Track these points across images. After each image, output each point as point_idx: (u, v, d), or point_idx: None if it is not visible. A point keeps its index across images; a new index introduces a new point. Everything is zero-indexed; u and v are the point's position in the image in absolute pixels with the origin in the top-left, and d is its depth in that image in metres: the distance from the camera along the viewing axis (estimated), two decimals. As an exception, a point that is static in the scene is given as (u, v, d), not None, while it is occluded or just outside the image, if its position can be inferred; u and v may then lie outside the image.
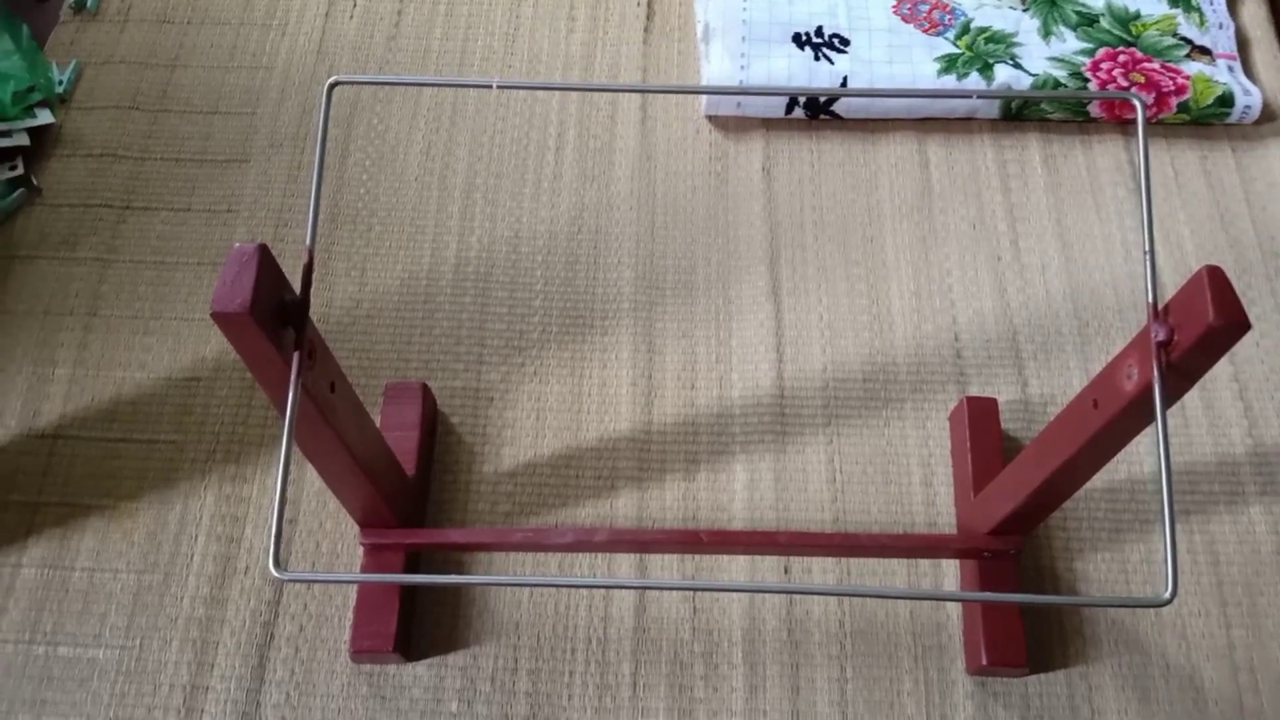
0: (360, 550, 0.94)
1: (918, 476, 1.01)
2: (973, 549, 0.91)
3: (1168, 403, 0.62)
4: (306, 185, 1.17)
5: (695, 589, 0.92)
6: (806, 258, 1.13)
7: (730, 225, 1.15)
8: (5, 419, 1.04)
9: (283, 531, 0.62)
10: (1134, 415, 0.68)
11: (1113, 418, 0.68)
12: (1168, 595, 0.58)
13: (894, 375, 1.06)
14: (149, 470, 1.01)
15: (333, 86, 0.67)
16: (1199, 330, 0.59)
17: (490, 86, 0.65)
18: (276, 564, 0.59)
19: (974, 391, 1.05)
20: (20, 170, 1.17)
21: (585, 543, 0.89)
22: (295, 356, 0.63)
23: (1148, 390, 0.63)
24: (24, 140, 1.18)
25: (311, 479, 1.01)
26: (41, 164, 1.19)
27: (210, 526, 0.98)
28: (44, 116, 1.20)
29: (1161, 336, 0.62)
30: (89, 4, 1.30)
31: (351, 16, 1.30)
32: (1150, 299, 0.63)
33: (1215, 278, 0.59)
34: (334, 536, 0.98)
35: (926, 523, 0.99)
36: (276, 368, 0.62)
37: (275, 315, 0.61)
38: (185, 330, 1.09)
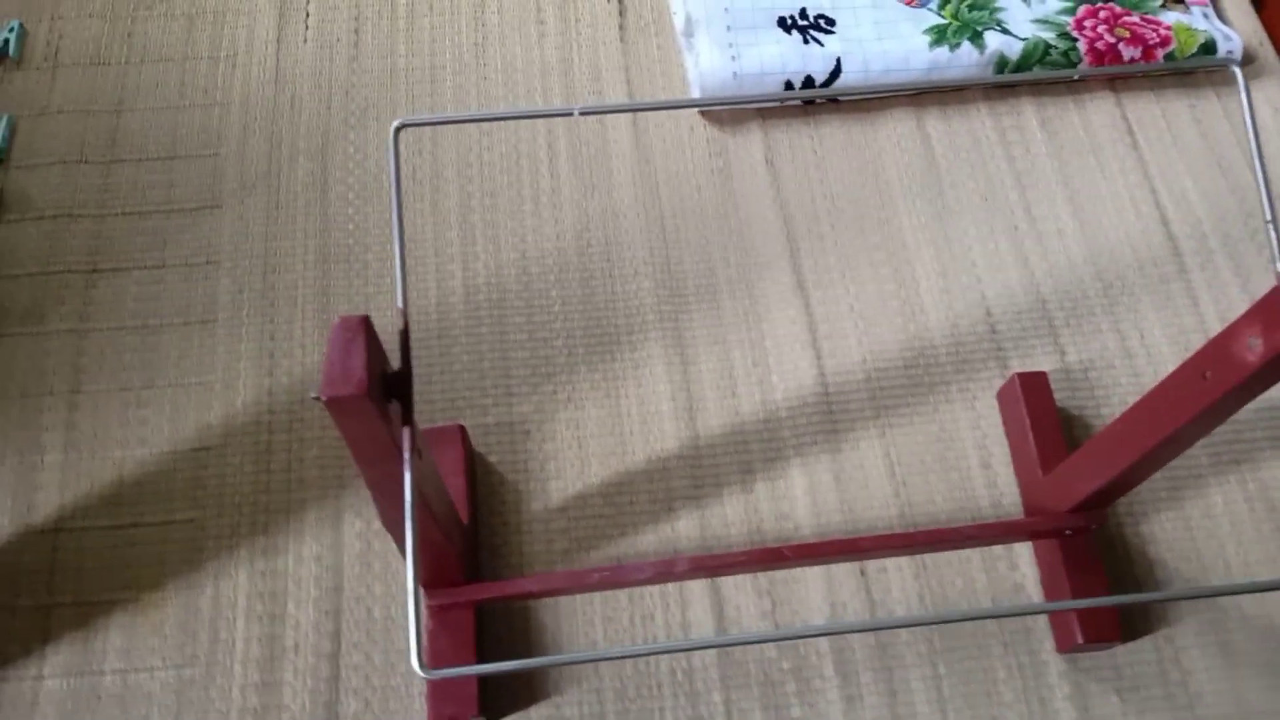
0: (425, 612, 0.88)
1: (975, 459, 0.99)
2: (1056, 528, 0.89)
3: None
4: (288, 226, 1.09)
5: (796, 637, 0.88)
6: (826, 247, 1.10)
7: (743, 222, 1.11)
8: (-4, 518, 0.94)
9: (422, 626, 0.56)
10: (1254, 387, 0.66)
11: (1230, 390, 0.67)
12: None
13: (934, 358, 1.04)
14: (168, 554, 0.93)
15: (399, 130, 0.61)
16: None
17: (571, 114, 0.59)
18: (421, 664, 0.53)
19: (1014, 365, 1.03)
20: (-34, 241, 1.06)
21: (666, 574, 0.85)
22: (405, 433, 0.57)
23: (1274, 362, 0.62)
24: (-35, 208, 1.08)
25: (350, 541, 0.94)
26: (-12, 232, 1.08)
27: (248, 607, 0.91)
28: (-17, 179, 1.09)
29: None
30: (10, 51, 1.19)
31: (305, 40, 1.21)
32: (1277, 267, 0.61)
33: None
34: (385, 600, 0.92)
35: (991, 505, 0.97)
36: (384, 446, 0.56)
37: (383, 391, 0.55)
38: (182, 397, 1.00)
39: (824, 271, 1.08)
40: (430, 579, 0.83)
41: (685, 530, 0.96)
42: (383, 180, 1.12)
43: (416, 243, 1.09)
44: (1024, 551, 0.95)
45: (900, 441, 1.00)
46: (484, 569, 0.93)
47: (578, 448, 0.99)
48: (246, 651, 0.89)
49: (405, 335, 0.58)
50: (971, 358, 1.04)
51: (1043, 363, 1.04)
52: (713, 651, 0.90)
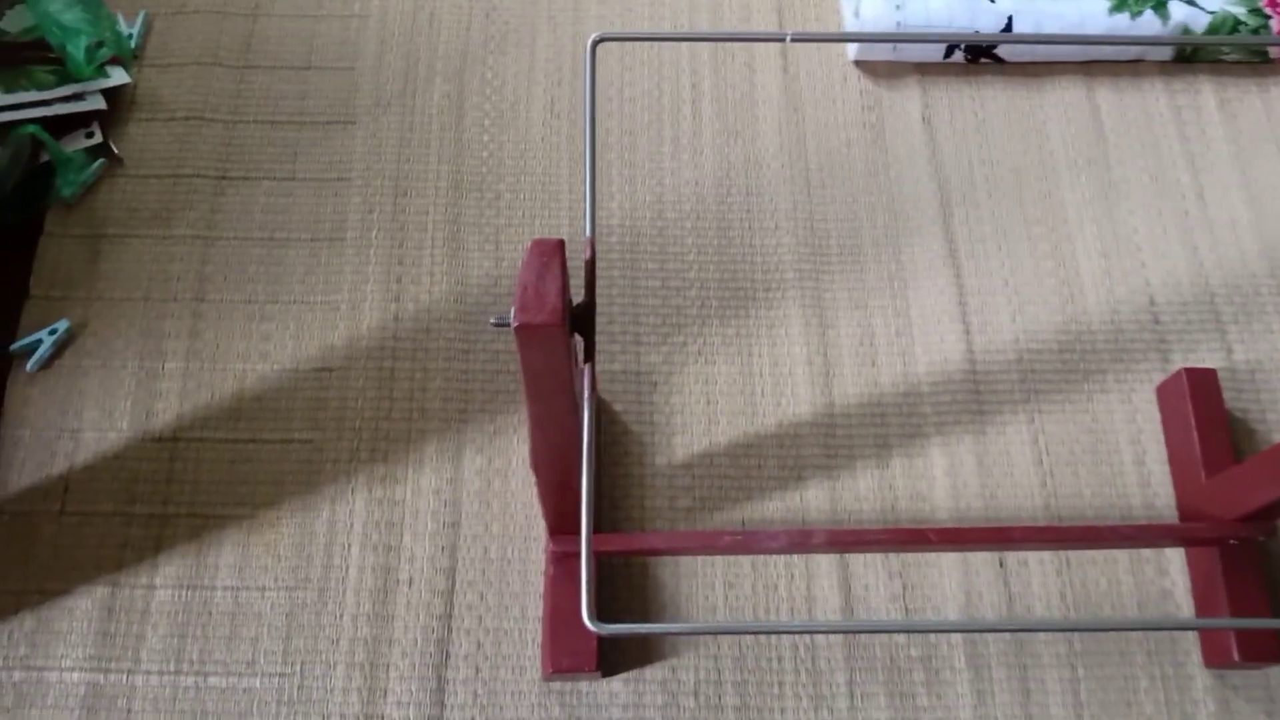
0: (546, 558, 0.85)
1: (1129, 456, 0.93)
2: (1219, 536, 0.83)
3: None
4: (422, 149, 1.06)
5: (976, 630, 0.83)
6: (981, 216, 1.03)
7: (893, 181, 1.05)
8: (116, 421, 0.93)
9: (592, 578, 0.52)
10: None
11: None
12: None
13: (1091, 344, 0.98)
14: (286, 474, 0.91)
15: (597, 44, 0.56)
16: None
17: (783, 40, 0.54)
18: (592, 616, 0.50)
19: (1176, 360, 0.97)
20: (98, 138, 1.04)
21: (801, 545, 0.81)
22: (586, 370, 0.53)
23: None
24: (99, 103, 1.05)
25: (470, 477, 0.91)
26: (120, 130, 1.06)
27: (364, 535, 0.89)
28: (118, 76, 1.07)
29: None
30: (150, -53, 1.16)
31: (447, -43, 1.17)
32: None
33: None
34: (502, 540, 0.89)
35: (1143, 505, 0.91)
36: (563, 381, 0.53)
37: (570, 322, 0.51)
38: (307, 315, 0.98)
39: (978, 241, 1.02)
40: (558, 524, 0.80)
41: (815, 501, 0.91)
42: (520, 109, 1.08)
43: (550, 177, 1.05)
44: (1175, 557, 0.90)
45: (1050, 429, 0.94)
46: (603, 520, 0.90)
47: (706, 404, 0.95)
48: (360, 580, 0.87)
49: (591, 267, 0.54)
50: (1131, 347, 0.98)
51: (1207, 360, 0.97)
52: (839, 635, 0.86)
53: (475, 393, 0.94)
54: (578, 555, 0.79)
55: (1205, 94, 1.10)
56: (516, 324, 0.47)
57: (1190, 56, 1.10)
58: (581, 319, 0.53)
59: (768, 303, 0.99)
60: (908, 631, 0.83)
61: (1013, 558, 0.89)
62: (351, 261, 1.00)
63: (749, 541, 0.81)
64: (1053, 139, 1.07)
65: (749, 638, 0.86)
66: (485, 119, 1.08)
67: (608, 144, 1.07)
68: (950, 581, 0.88)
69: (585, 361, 0.53)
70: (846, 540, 0.81)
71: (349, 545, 0.88)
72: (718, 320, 0.99)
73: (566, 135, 1.07)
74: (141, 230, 1.01)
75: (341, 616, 0.86)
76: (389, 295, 0.98)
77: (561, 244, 0.49)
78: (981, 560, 0.89)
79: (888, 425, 0.94)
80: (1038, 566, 0.89)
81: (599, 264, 1.00)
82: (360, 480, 0.91)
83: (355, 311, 0.98)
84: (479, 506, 0.90)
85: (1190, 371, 0.92)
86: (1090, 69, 1.11)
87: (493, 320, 0.51)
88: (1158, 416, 0.95)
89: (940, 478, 0.92)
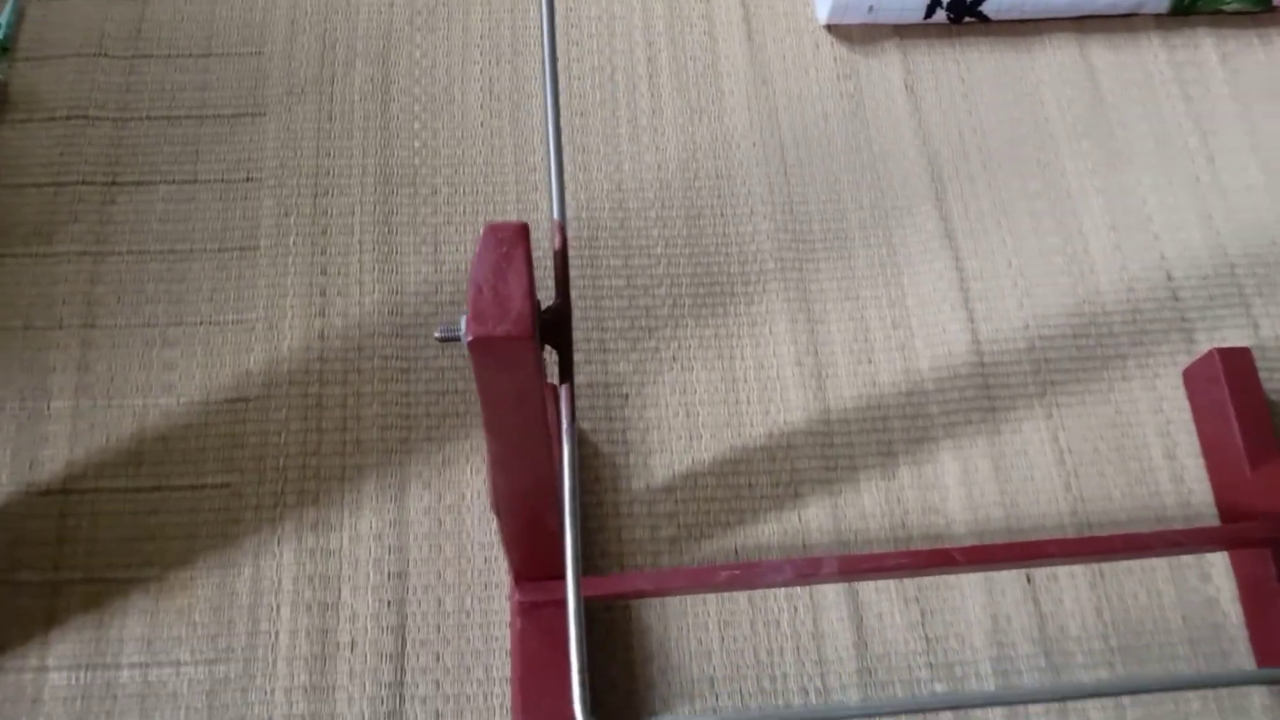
0: (511, 608, 0.72)
1: (1158, 449, 0.84)
2: (1274, 536, 0.74)
3: None
4: (344, 141, 0.93)
5: (1062, 698, 0.72)
6: (978, 190, 0.93)
7: (878, 157, 0.94)
8: (-7, 473, 0.78)
9: (584, 657, 0.40)
10: None
11: None
12: None
13: (1107, 327, 0.88)
14: (199, 526, 0.78)
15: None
16: None
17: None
18: (586, 711, 0.38)
19: (1201, 339, 0.87)
20: (-37, 143, 0.90)
21: (810, 575, 0.70)
22: (563, 392, 0.41)
23: None
24: (-38, 103, 0.91)
25: (417, 518, 0.78)
26: (-11, 133, 0.92)
27: (295, 593, 0.76)
28: (-16, 71, 0.93)
29: None
30: (19, -75, 1.02)
31: (363, -74, 1.04)
32: None
33: None
34: (458, 590, 0.76)
35: (1178, 503, 0.82)
36: (534, 406, 0.40)
37: (539, 331, 0.39)
38: (217, 338, 0.84)
39: (976, 219, 0.92)
40: (524, 569, 0.68)
41: (815, 521, 0.80)
42: (454, 92, 0.95)
43: (494, 167, 0.92)
44: (1217, 560, 0.80)
45: (1071, 424, 0.84)
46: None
47: (685, 416, 0.83)
48: (293, 647, 0.74)
49: (563, 259, 0.42)
50: (1151, 328, 0.88)
51: (1233, 337, 0.88)
52: (850, 669, 0.75)
53: (419, 418, 0.82)
54: (553, 605, 0.67)
55: (1206, 49, 1.01)
56: (471, 337, 0.35)
57: (1188, 8, 1.01)
58: (553, 326, 0.41)
59: (748, 298, 0.88)
60: (984, 706, 0.72)
61: (1040, 572, 0.79)
62: (266, 274, 0.87)
63: (749, 575, 0.69)
64: (1047, 104, 0.97)
65: (751, 685, 0.74)
66: (415, 104, 0.95)
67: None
68: (973, 604, 0.78)
69: (561, 381, 0.41)
70: (862, 568, 0.70)
71: (277, 606, 0.75)
72: (693, 320, 0.87)
73: (509, 119, 0.94)
74: (18, 248, 0.87)
75: (273, 692, 0.73)
76: (312, 310, 0.85)
77: (525, 229, 0.37)
78: (1006, 578, 0.79)
79: (891, 430, 0.83)
80: (1068, 580, 0.79)
81: (551, 261, 0.88)
82: (287, 529, 0.78)
83: (273, 331, 0.84)
84: (429, 551, 0.77)
85: (1222, 352, 0.83)
86: (1083, 25, 1.01)
87: (438, 333, 0.39)
88: (1186, 404, 0.85)
89: (954, 486, 0.81)
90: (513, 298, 0.35)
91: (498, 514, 0.54)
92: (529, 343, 0.36)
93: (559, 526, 0.59)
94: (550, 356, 0.49)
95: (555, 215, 0.40)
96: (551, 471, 0.50)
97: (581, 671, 0.37)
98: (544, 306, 0.41)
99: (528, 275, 0.36)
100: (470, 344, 0.35)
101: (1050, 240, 0.91)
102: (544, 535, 0.60)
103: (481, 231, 0.37)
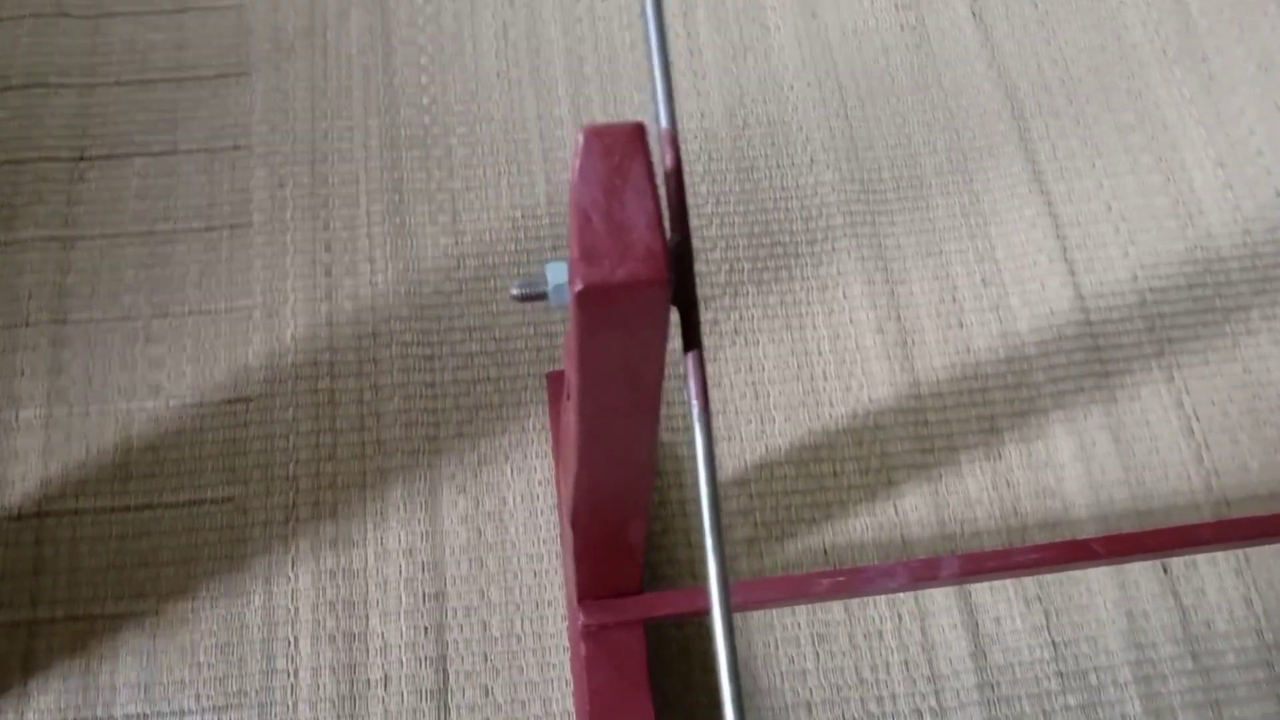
0: (572, 632, 0.61)
1: (1297, 411, 0.73)
2: None
3: None
4: (342, 101, 0.81)
5: None
6: (1065, 126, 0.82)
7: (949, 94, 0.83)
8: (-46, 497, 0.67)
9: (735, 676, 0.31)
10: None
11: None
12: None
13: (1224, 275, 0.77)
14: (199, 548, 0.67)
15: None
16: None
17: None
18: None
19: (1331, 285, 0.77)
20: (-95, 119, 0.78)
21: (928, 578, 0.59)
22: (690, 361, 0.30)
23: None
24: (-98, 74, 0.79)
25: (453, 528, 0.67)
26: (-65, 107, 0.80)
27: (314, 622, 0.65)
28: (-74, 37, 0.81)
29: None
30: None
31: None
32: None
33: None
34: (505, 610, 0.65)
35: (1326, 473, 0.71)
36: (653, 379, 0.30)
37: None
38: (209, 329, 0.73)
39: (1067, 159, 0.81)
40: (592, 587, 0.57)
41: (915, 512, 0.69)
42: (464, 40, 0.84)
43: (514, 123, 0.81)
44: (1376, 537, 0.70)
45: (1196, 388, 0.73)
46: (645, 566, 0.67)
47: (754, 397, 0.73)
48: (315, 687, 0.63)
49: (678, 180, 0.31)
50: (1274, 274, 0.77)
51: (1368, 280, 0.77)
52: (969, 684, 0.64)
53: (447, 412, 0.71)
54: (623, 627, 0.56)
55: (1303, -40, 0.90)
56: (581, 286, 0.24)
57: (1283, -85, 0.90)
58: (676, 271, 0.30)
59: (815, 259, 0.77)
60: None
61: (1177, 561, 0.68)
62: (262, 253, 0.76)
63: (854, 582, 0.59)
64: (1132, 28, 0.86)
65: (856, 708, 0.63)
66: (421, 55, 0.83)
67: (582, 75, 0.83)
68: (1104, 600, 0.67)
69: (687, 348, 0.30)
70: (987, 566, 0.59)
71: (295, 640, 0.64)
72: (754, 287, 0.76)
73: (528, 68, 0.83)
74: (-27, 236, 0.76)
75: (295, 741, 0.62)
76: (317, 293, 0.74)
77: (641, 130, 0.26)
78: (1139, 568, 0.68)
79: (992, 403, 0.73)
80: (1209, 569, 0.68)
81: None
82: (302, 547, 0.67)
83: (274, 319, 0.73)
84: (469, 567, 0.66)
85: (1371, 297, 0.72)
86: (1165, -61, 0.90)
87: (515, 290, 0.28)
88: (1324, 358, 0.74)
89: (1069, 464, 0.71)
90: (636, 227, 0.24)
91: (575, 526, 0.43)
92: (663, 289, 0.25)
93: (637, 536, 0.48)
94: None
95: (663, 122, 0.29)
96: (654, 466, 0.39)
97: (738, 711, 0.27)
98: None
99: (653, 196, 0.25)
100: (579, 295, 0.25)
101: (1151, 179, 0.80)
102: (623, 548, 0.49)
103: (580, 139, 0.26)
